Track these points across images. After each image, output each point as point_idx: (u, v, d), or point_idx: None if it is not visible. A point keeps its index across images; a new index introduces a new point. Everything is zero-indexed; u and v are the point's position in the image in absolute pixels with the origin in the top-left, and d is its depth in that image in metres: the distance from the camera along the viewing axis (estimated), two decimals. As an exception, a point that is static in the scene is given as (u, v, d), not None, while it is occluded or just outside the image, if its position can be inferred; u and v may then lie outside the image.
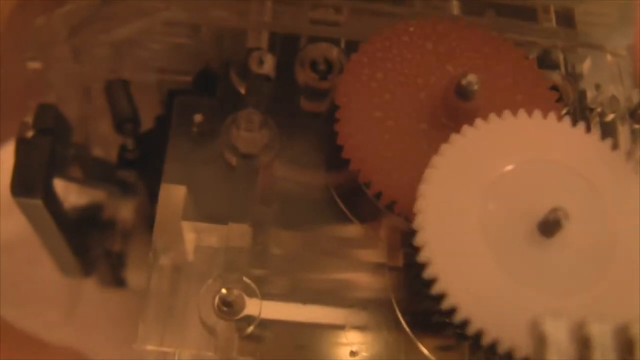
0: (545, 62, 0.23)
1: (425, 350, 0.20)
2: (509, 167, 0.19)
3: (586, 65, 0.23)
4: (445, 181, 0.18)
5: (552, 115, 0.19)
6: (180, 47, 0.23)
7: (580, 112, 0.22)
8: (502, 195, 0.18)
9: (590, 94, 0.23)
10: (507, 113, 0.19)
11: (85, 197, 0.27)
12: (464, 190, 0.18)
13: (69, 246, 0.25)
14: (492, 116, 0.19)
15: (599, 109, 0.22)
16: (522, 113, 0.19)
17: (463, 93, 0.20)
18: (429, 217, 0.18)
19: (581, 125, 0.19)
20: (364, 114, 0.20)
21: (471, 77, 0.19)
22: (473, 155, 0.19)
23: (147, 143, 0.24)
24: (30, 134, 0.22)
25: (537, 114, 0.19)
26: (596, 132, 0.19)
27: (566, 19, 0.24)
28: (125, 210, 0.27)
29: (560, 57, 0.23)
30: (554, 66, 0.23)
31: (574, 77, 0.23)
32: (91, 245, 0.27)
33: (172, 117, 0.22)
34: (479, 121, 0.19)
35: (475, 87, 0.20)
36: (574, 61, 0.23)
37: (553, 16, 0.24)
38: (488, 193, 0.18)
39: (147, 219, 0.27)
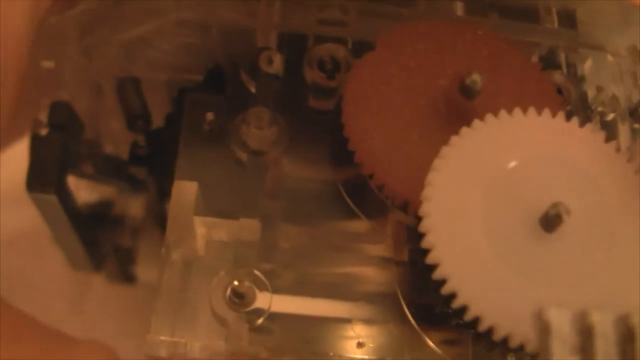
0: (548, 62, 0.24)
1: (430, 343, 0.20)
2: (513, 164, 0.19)
3: (587, 66, 0.24)
4: (452, 171, 0.19)
5: (554, 114, 0.20)
6: (190, 46, 0.24)
7: (582, 112, 0.23)
8: (505, 190, 0.19)
9: (591, 94, 0.23)
10: (516, 111, 0.20)
11: (95, 194, 0.27)
12: (469, 183, 0.19)
13: (80, 241, 0.26)
14: (502, 113, 0.19)
15: (600, 109, 0.23)
16: (530, 111, 0.20)
17: (467, 92, 0.20)
18: (435, 204, 0.19)
19: (582, 123, 0.20)
20: (373, 113, 0.20)
21: (475, 77, 0.20)
22: (480, 149, 0.19)
23: (157, 140, 0.24)
24: (44, 131, 0.23)
25: (539, 112, 0.20)
26: (597, 129, 0.20)
27: (568, 19, 0.24)
28: (135, 207, 0.27)
29: (562, 57, 0.24)
30: (556, 66, 0.24)
31: (575, 77, 0.23)
32: (101, 241, 0.27)
33: (183, 115, 0.22)
34: (489, 116, 0.19)
35: (479, 86, 0.20)
36: (576, 61, 0.24)
37: (555, 17, 0.24)
38: (492, 188, 0.19)
39: (157, 216, 0.27)
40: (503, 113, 0.20)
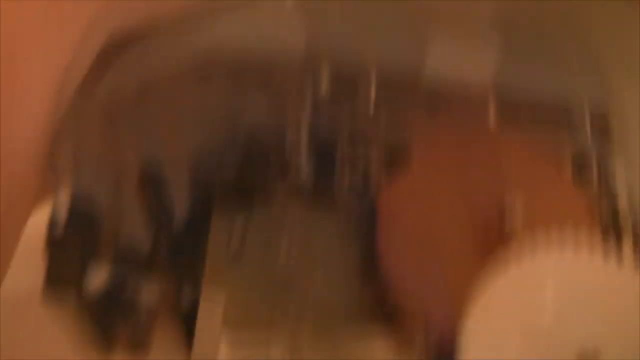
0: (579, 166, 0.23)
1: None
2: (550, 302, 0.19)
3: (619, 173, 0.23)
4: (488, 315, 0.19)
5: (589, 240, 0.20)
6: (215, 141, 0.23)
7: (614, 229, 0.22)
8: (542, 330, 0.19)
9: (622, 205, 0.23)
10: (551, 247, 0.19)
11: (110, 279, 0.27)
12: (506, 325, 0.19)
13: (93, 326, 0.25)
14: (539, 250, 0.19)
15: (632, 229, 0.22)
16: (567, 248, 0.19)
17: (506, 220, 0.20)
18: (473, 337, 0.18)
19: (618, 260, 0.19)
20: (407, 246, 0.20)
21: (515, 202, 0.20)
22: (514, 288, 0.19)
23: (179, 239, 0.24)
24: (60, 232, 0.22)
25: (576, 249, 0.19)
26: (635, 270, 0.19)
27: (600, 123, 0.24)
28: (149, 295, 0.27)
29: (594, 164, 0.23)
30: (588, 171, 0.23)
31: (607, 188, 0.23)
32: (114, 326, 0.26)
33: (205, 216, 0.22)
34: (525, 254, 0.19)
35: (519, 212, 0.20)
36: (608, 170, 0.23)
37: (588, 120, 0.24)
38: (529, 328, 0.19)
39: (171, 307, 0.27)
40: (540, 250, 0.19)
